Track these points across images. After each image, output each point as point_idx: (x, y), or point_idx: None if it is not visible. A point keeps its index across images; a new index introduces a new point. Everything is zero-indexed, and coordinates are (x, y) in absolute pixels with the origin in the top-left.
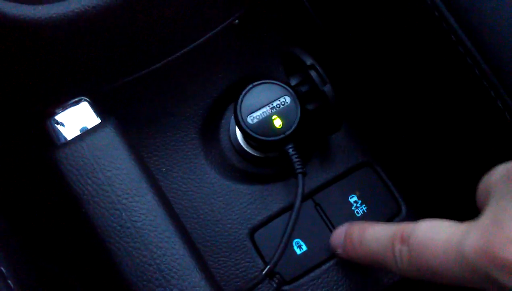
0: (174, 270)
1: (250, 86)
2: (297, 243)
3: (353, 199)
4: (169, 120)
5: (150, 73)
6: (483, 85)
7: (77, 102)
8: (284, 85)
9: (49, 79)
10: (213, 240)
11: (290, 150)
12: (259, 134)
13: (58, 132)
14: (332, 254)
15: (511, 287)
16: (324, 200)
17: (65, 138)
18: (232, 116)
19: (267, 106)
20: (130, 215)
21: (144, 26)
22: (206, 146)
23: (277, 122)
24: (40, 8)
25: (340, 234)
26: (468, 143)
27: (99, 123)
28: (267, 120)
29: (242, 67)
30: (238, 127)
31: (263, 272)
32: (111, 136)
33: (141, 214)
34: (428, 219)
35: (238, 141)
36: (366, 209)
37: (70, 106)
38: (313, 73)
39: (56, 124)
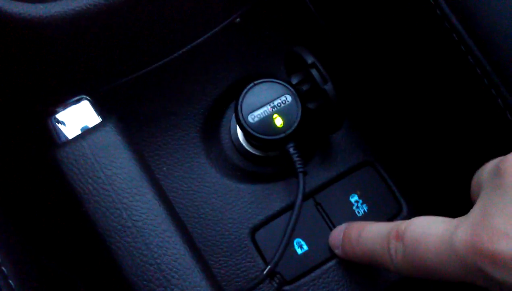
0: (174, 269)
1: (251, 85)
2: (298, 243)
3: (354, 198)
4: (170, 119)
5: (151, 72)
6: (485, 84)
7: (77, 101)
8: (285, 84)
9: (49, 78)
10: (214, 239)
11: (291, 149)
12: (260, 133)
13: (59, 131)
14: (333, 254)
15: (499, 279)
16: (325, 199)
17: (66, 137)
18: (233, 115)
19: (268, 105)
20: (131, 214)
21: (145, 25)
22: (207, 145)
23: (278, 121)
24: (41, 6)
25: (338, 234)
26: (469, 142)
27: (100, 122)
28: (268, 119)
29: (243, 65)
30: (239, 126)
31: (264, 272)
32: (112, 135)
33: (142, 213)
34: (422, 216)
35: (239, 140)
36: (367, 209)
37: (70, 105)
38: (314, 72)
39: (57, 123)
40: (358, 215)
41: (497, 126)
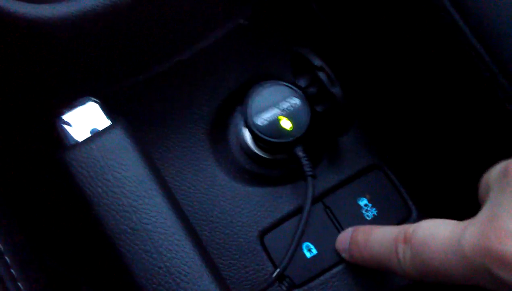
0: (184, 273)
1: (259, 87)
2: (307, 247)
3: (363, 202)
4: (178, 121)
5: (158, 75)
6: (494, 87)
7: (84, 102)
8: (293, 86)
9: (56, 79)
10: (223, 242)
11: (300, 152)
12: (269, 136)
13: (67, 133)
14: (342, 258)
15: (508, 280)
16: (334, 203)
17: (74, 140)
18: (241, 118)
19: (276, 108)
20: (140, 217)
21: (150, 26)
22: (215, 147)
23: (287, 124)
24: (46, 7)
25: (345, 238)
26: (478, 145)
27: (109, 125)
28: (276, 122)
29: (251, 68)
30: (247, 128)
31: (273, 276)
32: (120, 138)
33: (151, 216)
34: (429, 219)
35: (247, 143)
36: (376, 212)
37: (78, 106)
38: (322, 75)
39: (64, 125)
40: (368, 218)
41: (506, 129)
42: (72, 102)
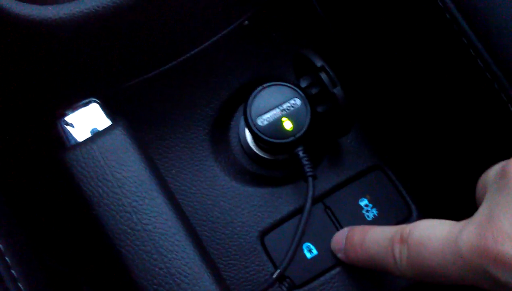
0: (184, 273)
1: (260, 88)
2: (307, 247)
3: (363, 202)
4: (179, 122)
5: (159, 75)
6: (495, 88)
7: (87, 104)
8: (294, 87)
9: (58, 80)
10: (223, 243)
11: (301, 153)
12: (269, 137)
13: (68, 134)
14: None
15: (504, 281)
16: (335, 203)
17: (75, 140)
18: (242, 118)
19: (277, 108)
20: (140, 218)
21: (153, 27)
22: (215, 148)
23: (287, 125)
24: (49, 8)
25: (340, 238)
26: (479, 146)
27: (109, 126)
28: (277, 122)
29: (252, 68)
30: (248, 129)
31: (273, 276)
32: (121, 138)
33: (151, 216)
34: (426, 219)
35: (247, 144)
36: (377, 213)
37: (80, 108)
38: (323, 75)
39: (66, 126)
40: (368, 219)
41: (507, 130)
42: (74, 103)
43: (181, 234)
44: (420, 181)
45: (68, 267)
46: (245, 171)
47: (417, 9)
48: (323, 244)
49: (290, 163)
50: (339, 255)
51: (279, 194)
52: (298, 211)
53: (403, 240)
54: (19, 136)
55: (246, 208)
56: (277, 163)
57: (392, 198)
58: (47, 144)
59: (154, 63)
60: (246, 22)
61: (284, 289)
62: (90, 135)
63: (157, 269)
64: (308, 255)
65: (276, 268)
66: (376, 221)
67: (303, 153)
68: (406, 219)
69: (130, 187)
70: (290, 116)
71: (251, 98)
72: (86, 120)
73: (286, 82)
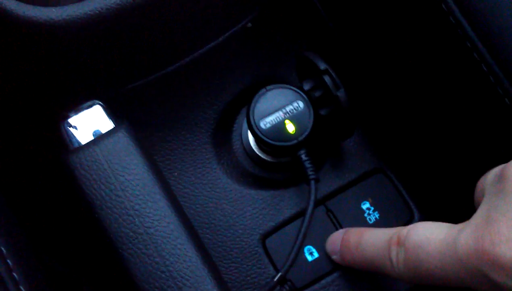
0: (186, 277)
1: (263, 90)
2: (309, 250)
3: (365, 205)
4: (181, 124)
5: (162, 77)
6: (499, 93)
7: (90, 106)
8: (297, 90)
9: (61, 82)
10: (225, 245)
11: (303, 156)
12: (272, 140)
13: (71, 136)
14: None
15: (502, 283)
16: (337, 206)
17: (79, 143)
18: (245, 121)
19: (280, 111)
20: (143, 221)
21: (155, 29)
22: (218, 151)
23: (290, 128)
24: (53, 10)
25: (336, 240)
26: (482, 149)
27: (112, 128)
28: (280, 125)
29: (255, 71)
30: (250, 132)
31: (275, 279)
32: (124, 141)
33: (154, 220)
34: (424, 221)
35: (250, 146)
36: (378, 216)
37: (83, 110)
38: (326, 78)
39: (69, 128)
40: (370, 222)
41: (509, 133)
42: (76, 105)
43: (183, 237)
44: (422, 184)
45: (69, 268)
46: (248, 173)
47: (421, 12)
48: (324, 247)
49: (292, 166)
50: (334, 257)
51: (281, 196)
52: (300, 214)
53: (400, 242)
54: (22, 137)
55: (248, 210)
56: (279, 165)
57: (394, 201)
58: (49, 146)
59: (157, 65)
60: (249, 25)
61: None
62: (93, 137)
63: (159, 272)
64: (309, 258)
65: (277, 270)
66: (377, 224)
67: (305, 156)
68: (408, 222)
69: (133, 190)
70: (293, 119)
71: (254, 101)
72: (89, 123)
73: (289, 85)
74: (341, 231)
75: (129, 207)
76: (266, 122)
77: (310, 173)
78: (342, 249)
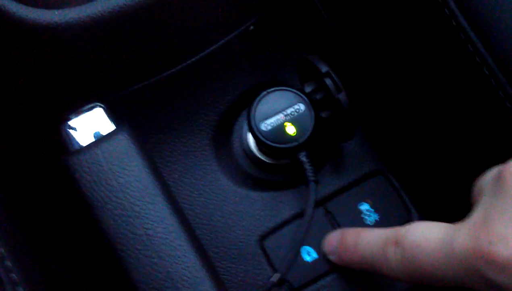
0: (185, 278)
1: (264, 93)
2: (307, 251)
3: (365, 207)
4: (182, 126)
5: (164, 80)
6: (500, 96)
7: (91, 108)
8: (298, 92)
9: (62, 85)
10: (223, 246)
11: (303, 158)
12: (272, 142)
13: (72, 138)
14: None
15: (499, 282)
16: (336, 208)
17: (79, 145)
18: (245, 123)
19: (281, 113)
20: (142, 223)
21: (157, 32)
22: (218, 152)
23: (291, 130)
24: (56, 12)
25: (332, 240)
26: (482, 153)
27: (113, 130)
28: (281, 127)
29: (257, 73)
30: (251, 134)
31: (273, 280)
32: (125, 143)
33: (153, 221)
34: (421, 221)
35: (250, 148)
36: (378, 218)
37: (84, 112)
38: (328, 81)
39: (69, 130)
40: (369, 224)
41: (509, 134)
42: (78, 107)
43: (182, 238)
44: (422, 186)
45: (68, 269)
46: (247, 175)
47: (423, 15)
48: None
49: (292, 168)
50: (331, 257)
51: (281, 198)
52: (299, 215)
53: (397, 242)
54: (23, 139)
55: (247, 212)
56: (279, 167)
57: (394, 203)
58: (50, 148)
59: (158, 68)
60: (252, 27)
61: None
62: (93, 140)
63: (157, 274)
64: (308, 259)
65: (275, 271)
66: (377, 226)
67: (306, 158)
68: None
69: (133, 192)
70: (293, 121)
71: (255, 103)
72: (90, 125)
73: (290, 87)
74: (338, 231)
75: (129, 208)
76: (267, 125)
77: (310, 175)
78: (339, 249)
